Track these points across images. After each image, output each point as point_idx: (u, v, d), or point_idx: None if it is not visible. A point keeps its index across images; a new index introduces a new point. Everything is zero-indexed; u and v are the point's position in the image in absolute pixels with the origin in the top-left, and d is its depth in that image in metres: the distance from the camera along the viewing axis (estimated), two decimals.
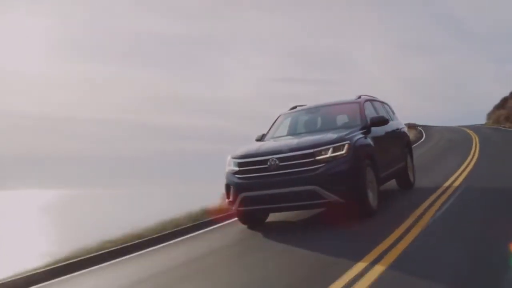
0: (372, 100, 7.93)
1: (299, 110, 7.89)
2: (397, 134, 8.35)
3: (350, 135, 6.06)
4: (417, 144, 20.48)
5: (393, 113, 9.05)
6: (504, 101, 37.87)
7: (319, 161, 5.68)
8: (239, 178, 6.09)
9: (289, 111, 7.99)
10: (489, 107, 42.83)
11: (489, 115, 40.97)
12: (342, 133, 6.16)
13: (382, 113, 8.00)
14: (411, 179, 8.60)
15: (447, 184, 8.26)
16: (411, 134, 23.38)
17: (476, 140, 19.43)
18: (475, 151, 14.59)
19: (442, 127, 37.21)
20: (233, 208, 6.26)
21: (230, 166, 6.28)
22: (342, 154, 5.74)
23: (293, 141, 6.34)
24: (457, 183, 8.31)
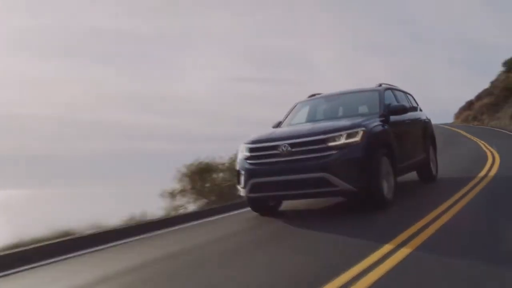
0: (393, 89, 7.66)
1: (317, 98, 7.71)
2: (420, 125, 8.06)
3: (366, 122, 5.85)
4: None
5: (417, 104, 8.75)
6: (470, 104, 45.02)
7: (332, 148, 5.49)
8: (250, 163, 5.97)
9: (307, 99, 7.82)
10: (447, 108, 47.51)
11: (456, 115, 48.06)
12: (358, 119, 5.96)
13: (403, 102, 7.73)
14: (433, 171, 8.30)
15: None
16: None
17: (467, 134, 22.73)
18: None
19: None
20: (244, 194, 6.14)
21: (242, 152, 6.16)
22: (356, 141, 5.53)
23: (306, 127, 6.18)
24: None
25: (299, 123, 7.10)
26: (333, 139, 5.52)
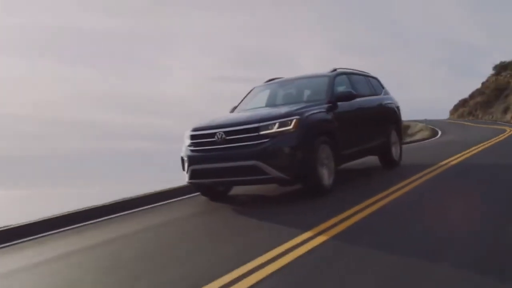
0: (350, 74, 7.60)
1: (273, 83, 7.71)
2: (380, 109, 8.00)
3: (302, 110, 5.85)
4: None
5: (382, 87, 8.67)
6: (464, 102, 51.45)
7: (264, 136, 5.52)
8: (191, 151, 6.05)
9: (263, 84, 7.83)
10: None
11: (451, 112, 54.61)
12: (295, 107, 5.96)
13: (362, 87, 7.69)
14: (395, 157, 8.27)
15: None
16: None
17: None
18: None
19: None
20: (186, 180, 6.25)
21: (186, 139, 6.24)
22: (288, 129, 5.55)
23: (244, 115, 6.20)
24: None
25: (249, 109, 7.12)
26: (266, 127, 5.55)
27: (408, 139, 22.87)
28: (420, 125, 36.97)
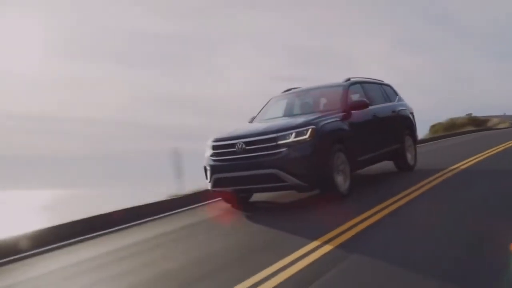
0: (363, 82, 7.89)
1: (290, 93, 8.05)
2: (394, 116, 8.25)
3: (317, 120, 6.18)
4: None
5: (396, 94, 8.92)
6: None
7: (281, 146, 5.87)
8: (213, 160, 6.43)
9: (281, 94, 8.18)
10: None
11: None
12: (311, 117, 6.29)
13: (376, 95, 7.97)
14: (410, 161, 8.50)
15: None
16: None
17: None
18: None
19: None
20: (210, 188, 6.63)
21: (208, 149, 6.62)
22: (305, 138, 5.89)
23: (263, 125, 6.54)
24: None
25: (268, 119, 7.47)
26: (283, 137, 5.90)
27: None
28: (495, 119, 37.45)
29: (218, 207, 7.08)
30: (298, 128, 5.96)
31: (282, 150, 5.86)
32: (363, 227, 4.57)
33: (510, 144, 12.48)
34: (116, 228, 6.54)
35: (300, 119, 6.26)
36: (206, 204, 7.61)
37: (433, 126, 38.99)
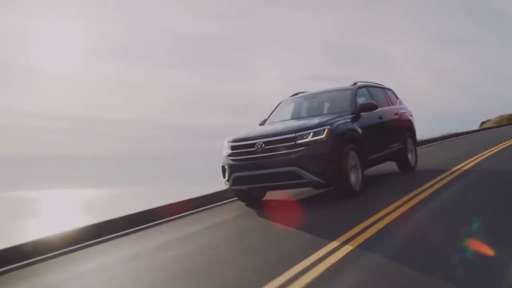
0: (369, 86, 8.32)
1: (299, 97, 8.43)
2: (396, 118, 8.67)
3: (332, 121, 6.55)
4: None
5: (397, 98, 9.37)
6: None
7: (300, 145, 6.23)
8: (232, 160, 6.74)
9: (290, 97, 8.55)
10: None
11: None
12: (325, 118, 6.67)
13: (379, 98, 8.38)
14: (411, 162, 8.93)
15: None
16: None
17: None
18: None
19: None
20: (228, 187, 6.94)
21: (226, 149, 6.94)
22: (321, 138, 6.26)
23: (280, 126, 6.89)
24: None
25: (280, 121, 7.83)
26: (301, 137, 6.26)
27: None
28: None
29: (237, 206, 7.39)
30: (315, 128, 6.32)
31: (300, 149, 6.21)
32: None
33: None
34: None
35: (315, 120, 6.62)
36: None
37: (483, 123, 41.90)
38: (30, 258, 5.24)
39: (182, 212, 7.28)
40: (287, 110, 8.30)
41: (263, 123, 8.20)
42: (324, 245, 4.09)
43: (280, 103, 8.55)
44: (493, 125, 36.61)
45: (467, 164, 9.13)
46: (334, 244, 4.11)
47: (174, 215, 7.09)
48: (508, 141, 14.53)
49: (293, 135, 6.30)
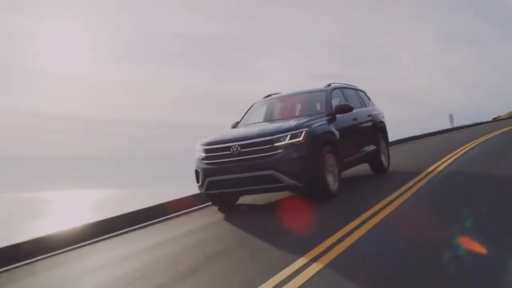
0: (343, 88, 8.24)
1: (272, 98, 8.25)
2: (370, 120, 8.64)
3: (309, 123, 6.41)
4: None
5: (369, 99, 9.35)
6: None
7: (277, 148, 6.05)
8: (206, 163, 6.48)
9: (263, 99, 8.37)
10: None
11: None
12: (302, 120, 6.51)
13: (353, 100, 8.32)
14: (384, 164, 8.92)
15: None
16: None
17: None
18: None
19: None
20: (202, 191, 6.68)
21: (199, 152, 6.67)
22: (299, 140, 6.10)
23: (255, 129, 6.69)
24: None
25: (253, 123, 7.64)
26: (278, 139, 6.08)
27: None
28: None
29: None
30: (292, 130, 6.15)
31: (277, 152, 6.03)
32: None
33: None
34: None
35: (292, 122, 6.45)
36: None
37: (495, 118, 45.76)
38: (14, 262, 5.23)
39: (162, 216, 7.15)
40: (261, 112, 8.12)
41: (236, 125, 7.97)
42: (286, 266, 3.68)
43: (253, 105, 8.35)
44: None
45: None
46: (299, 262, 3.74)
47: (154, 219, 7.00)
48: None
49: (270, 137, 6.11)
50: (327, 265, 3.54)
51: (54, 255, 5.55)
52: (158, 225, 6.75)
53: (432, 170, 8.15)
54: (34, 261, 5.31)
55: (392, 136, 18.87)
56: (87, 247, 5.82)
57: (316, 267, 3.52)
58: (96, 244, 5.93)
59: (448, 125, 30.76)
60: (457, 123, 31.84)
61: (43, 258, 5.42)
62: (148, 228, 6.62)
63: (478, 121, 34.33)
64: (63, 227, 6.25)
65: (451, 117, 31.50)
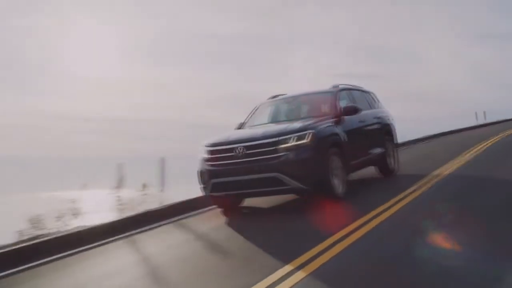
0: (350, 89, 8.10)
1: (278, 99, 8.13)
2: (377, 121, 8.49)
3: (315, 124, 6.28)
4: None
5: (377, 101, 9.20)
6: None
7: (283, 150, 5.92)
8: (210, 165, 6.37)
9: (268, 100, 8.24)
10: None
11: None
12: (308, 122, 6.38)
13: (360, 101, 8.17)
14: (392, 166, 8.75)
15: None
16: None
17: None
18: None
19: None
20: (206, 193, 6.56)
21: (202, 153, 6.55)
22: (305, 142, 5.97)
23: (260, 130, 6.57)
24: None
25: (259, 124, 7.51)
26: (284, 141, 5.96)
27: None
28: None
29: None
30: (298, 132, 6.03)
31: (283, 154, 5.90)
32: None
33: None
34: None
35: (298, 124, 6.32)
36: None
37: None
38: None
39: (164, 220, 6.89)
40: (266, 113, 7.98)
41: (241, 126, 7.84)
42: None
43: (259, 106, 8.23)
44: None
45: None
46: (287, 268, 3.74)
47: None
48: None
49: (275, 139, 5.99)
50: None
51: (105, 243, 5.79)
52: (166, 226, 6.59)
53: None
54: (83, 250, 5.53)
55: (420, 133, 19.17)
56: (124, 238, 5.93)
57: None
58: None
59: (476, 121, 29.62)
60: (485, 120, 30.46)
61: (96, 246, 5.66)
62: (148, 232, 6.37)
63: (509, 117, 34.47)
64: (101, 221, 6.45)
65: (480, 113, 30.86)
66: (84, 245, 5.70)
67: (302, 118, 7.07)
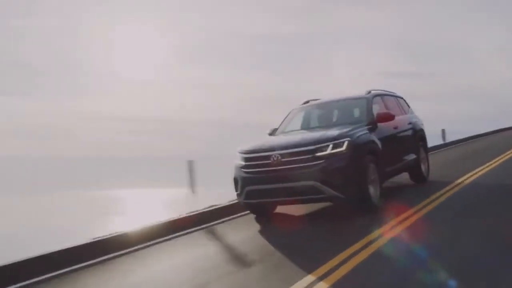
0: (383, 95, 8.04)
1: (310, 105, 8.11)
2: (410, 128, 8.41)
3: (352, 132, 6.25)
4: None
5: (408, 106, 9.11)
6: None
7: (319, 158, 5.91)
8: (245, 172, 6.39)
9: (301, 106, 8.22)
10: None
11: None
12: (344, 129, 6.36)
13: (393, 107, 8.11)
14: (424, 173, 8.66)
15: None
16: None
17: None
18: None
19: None
20: (240, 200, 6.59)
21: (238, 160, 6.58)
22: (341, 151, 5.95)
23: (296, 137, 6.58)
24: None
25: (292, 131, 7.51)
26: (321, 149, 5.95)
27: None
28: None
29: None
30: (335, 140, 6.01)
31: (320, 162, 5.89)
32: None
33: None
34: None
35: (334, 132, 6.30)
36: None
37: None
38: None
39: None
40: (298, 119, 7.97)
41: (273, 132, 7.83)
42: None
43: (291, 111, 8.21)
44: None
45: None
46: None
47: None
48: None
49: (312, 147, 5.98)
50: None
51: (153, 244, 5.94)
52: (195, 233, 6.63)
53: None
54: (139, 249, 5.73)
55: (469, 132, 19.27)
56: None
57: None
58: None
59: None
60: None
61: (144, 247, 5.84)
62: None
63: None
64: (143, 223, 6.51)
65: None
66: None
67: (336, 125, 7.04)
